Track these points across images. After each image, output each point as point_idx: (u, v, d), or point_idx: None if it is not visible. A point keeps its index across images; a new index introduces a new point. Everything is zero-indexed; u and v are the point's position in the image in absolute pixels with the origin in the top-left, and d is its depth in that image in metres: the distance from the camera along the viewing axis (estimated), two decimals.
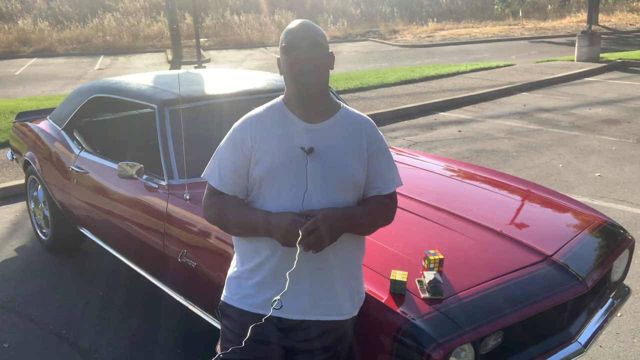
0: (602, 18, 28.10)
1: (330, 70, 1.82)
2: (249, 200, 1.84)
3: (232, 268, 1.91)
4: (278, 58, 1.81)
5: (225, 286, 1.91)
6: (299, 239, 1.63)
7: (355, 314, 1.90)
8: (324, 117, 1.81)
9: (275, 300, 1.72)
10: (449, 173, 3.43)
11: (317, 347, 1.82)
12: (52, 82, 14.60)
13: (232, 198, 1.82)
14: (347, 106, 1.90)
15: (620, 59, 14.66)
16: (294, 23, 1.78)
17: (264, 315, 1.75)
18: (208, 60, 18.38)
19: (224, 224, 1.85)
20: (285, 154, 1.75)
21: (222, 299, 1.91)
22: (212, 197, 1.84)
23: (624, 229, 2.86)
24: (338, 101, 1.90)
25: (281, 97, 1.87)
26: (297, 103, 1.79)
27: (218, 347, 1.91)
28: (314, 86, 1.75)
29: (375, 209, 1.83)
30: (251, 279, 1.82)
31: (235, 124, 1.85)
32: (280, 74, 1.81)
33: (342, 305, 1.83)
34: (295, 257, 1.67)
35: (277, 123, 1.80)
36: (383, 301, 1.98)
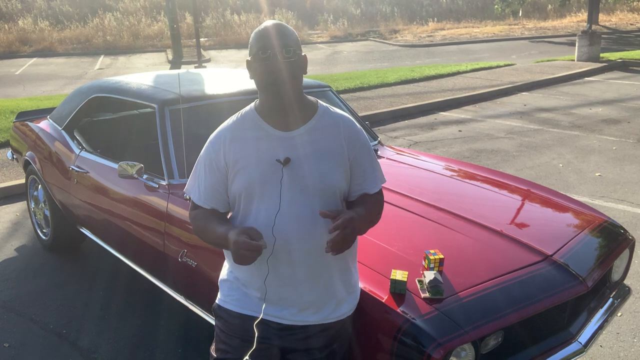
0: (602, 18, 28.10)
1: (303, 74, 1.74)
2: (232, 215, 1.83)
3: (224, 270, 1.91)
4: (248, 60, 1.73)
5: (219, 289, 1.92)
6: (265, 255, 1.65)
7: (351, 313, 1.89)
8: (300, 123, 1.74)
9: (259, 318, 1.72)
10: (449, 173, 3.43)
11: (313, 347, 1.82)
12: (52, 81, 14.60)
13: (210, 212, 1.81)
14: (324, 104, 1.82)
15: (621, 58, 14.65)
16: (265, 26, 1.68)
17: (257, 317, 1.75)
18: (208, 60, 18.38)
19: (203, 237, 1.84)
20: (261, 169, 1.71)
21: (216, 301, 1.91)
22: (193, 210, 1.85)
23: (624, 229, 2.86)
24: (314, 101, 1.82)
25: (254, 104, 1.80)
26: (270, 112, 1.73)
27: (212, 348, 1.92)
28: (288, 95, 1.69)
29: (373, 207, 1.82)
30: (243, 285, 1.82)
31: (210, 138, 1.81)
32: (251, 79, 1.74)
33: (340, 306, 1.83)
34: (268, 264, 1.69)
35: (251, 135, 1.74)
36: (383, 301, 1.98)
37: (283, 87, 1.67)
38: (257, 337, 1.70)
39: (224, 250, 1.88)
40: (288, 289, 1.76)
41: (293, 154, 1.71)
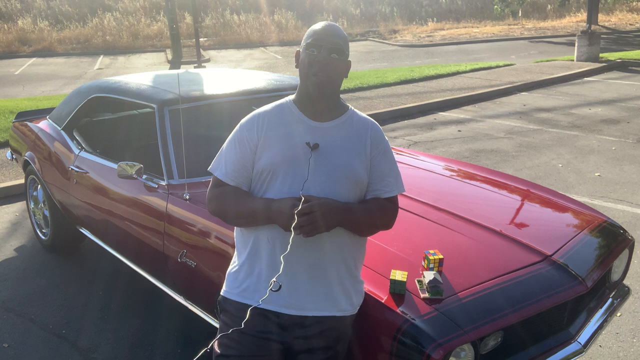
0: (601, 18, 28.10)
1: (343, 77, 1.85)
2: (250, 191, 1.87)
3: (232, 263, 1.93)
4: (298, 50, 1.85)
5: (225, 281, 1.93)
6: (294, 222, 1.65)
7: (354, 312, 1.90)
8: (331, 117, 1.85)
9: (272, 282, 1.73)
10: (448, 173, 3.43)
11: (316, 347, 1.82)
12: (52, 81, 14.59)
13: (235, 189, 1.85)
14: (355, 110, 1.93)
15: (620, 58, 14.66)
16: (322, 24, 1.82)
17: (263, 309, 1.77)
18: (208, 60, 18.37)
19: (226, 214, 1.87)
20: (290, 150, 1.79)
21: (221, 293, 1.92)
22: (216, 188, 1.88)
23: (623, 229, 2.86)
24: (346, 104, 1.93)
25: (291, 97, 1.91)
26: (306, 101, 1.84)
27: (215, 344, 1.91)
28: (325, 89, 1.79)
29: (375, 209, 1.85)
30: (250, 272, 1.84)
31: (243, 120, 1.89)
32: (296, 67, 1.85)
33: (339, 301, 1.84)
34: (289, 241, 1.68)
35: (284, 121, 1.84)
36: (383, 301, 1.98)
37: (322, 80, 1.77)
38: (252, 310, 1.70)
39: (236, 239, 1.91)
40: (291, 281, 1.77)
41: (322, 142, 1.80)
